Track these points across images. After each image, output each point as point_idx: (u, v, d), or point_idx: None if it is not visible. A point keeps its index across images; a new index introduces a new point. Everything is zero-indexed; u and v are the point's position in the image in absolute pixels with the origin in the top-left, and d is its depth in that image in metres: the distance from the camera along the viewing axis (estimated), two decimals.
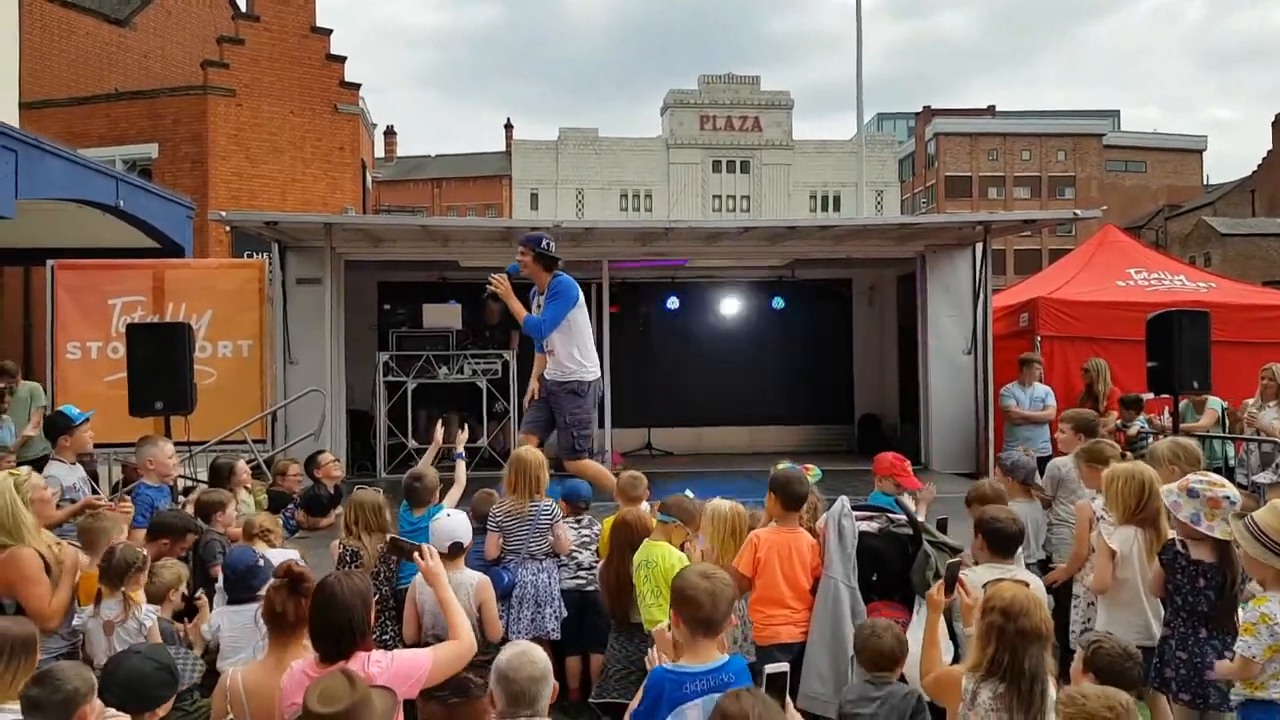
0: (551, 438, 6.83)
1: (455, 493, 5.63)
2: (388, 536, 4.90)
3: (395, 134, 63.99)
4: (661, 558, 4.52)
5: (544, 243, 6.77)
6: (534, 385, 6.96)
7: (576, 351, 6.75)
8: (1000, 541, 4.31)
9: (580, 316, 6.79)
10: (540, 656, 3.04)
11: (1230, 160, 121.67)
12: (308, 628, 3.15)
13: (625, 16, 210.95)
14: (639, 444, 11.84)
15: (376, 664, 3.06)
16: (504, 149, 65.08)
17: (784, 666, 3.01)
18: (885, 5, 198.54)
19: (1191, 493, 3.96)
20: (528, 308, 6.88)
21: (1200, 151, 73.59)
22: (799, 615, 4.57)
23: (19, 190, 9.66)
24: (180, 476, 7.04)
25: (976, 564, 4.32)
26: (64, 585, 4.24)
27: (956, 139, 68.27)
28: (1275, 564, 3.59)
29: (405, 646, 4.49)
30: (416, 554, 3.66)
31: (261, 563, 4.48)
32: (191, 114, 19.73)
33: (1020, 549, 4.56)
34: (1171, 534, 4.14)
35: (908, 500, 5.32)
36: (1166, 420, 8.20)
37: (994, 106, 75.03)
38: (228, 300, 9.58)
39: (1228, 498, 3.91)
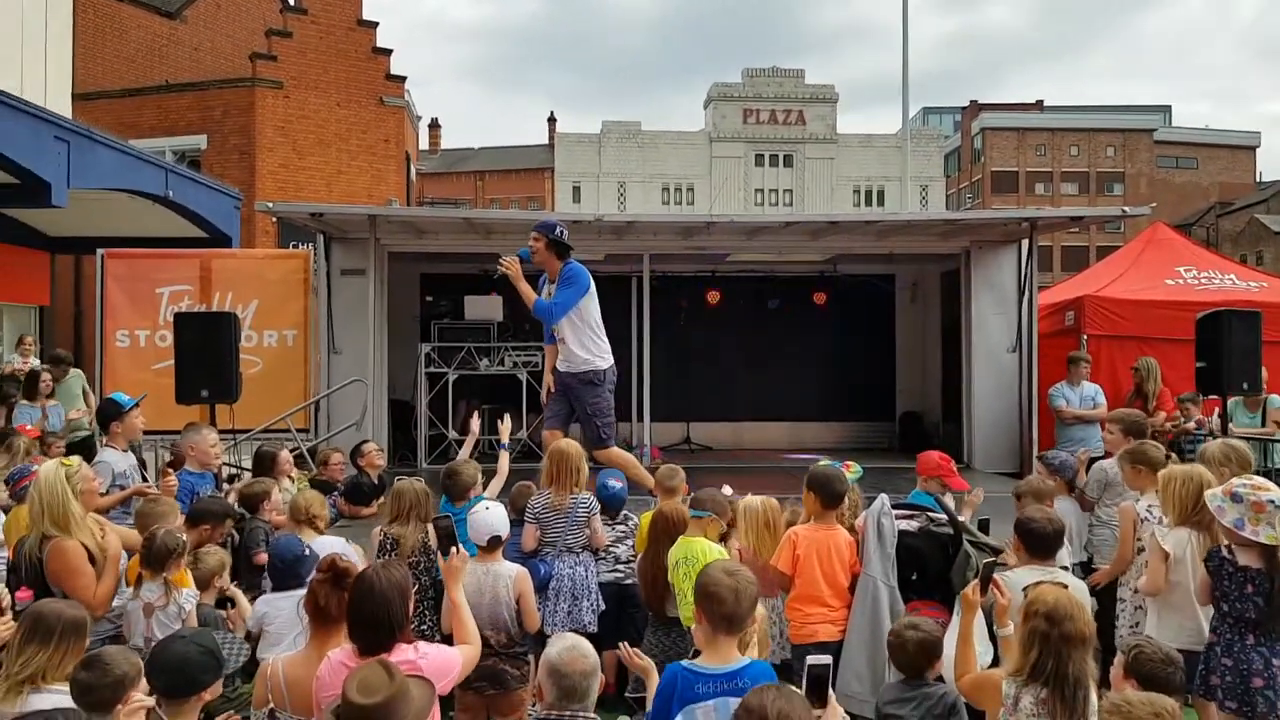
0: (575, 430, 6.85)
1: (497, 484, 5.67)
2: (428, 539, 4.93)
3: (439, 126, 64.49)
4: (702, 553, 4.46)
5: (557, 229, 6.74)
6: (549, 379, 6.97)
7: (588, 340, 6.77)
8: (1036, 542, 4.25)
9: (592, 305, 6.79)
10: (590, 650, 3.03)
11: None
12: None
13: (668, 9, 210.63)
14: (678, 438, 11.83)
15: (424, 656, 3.08)
16: (547, 142, 65.28)
17: (826, 659, 2.98)
18: None
19: (1235, 497, 3.88)
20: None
21: (1254, 148, 71.91)
22: (837, 614, 4.54)
23: (71, 180, 9.88)
24: (225, 464, 7.15)
25: (1016, 565, 4.26)
26: (109, 573, 4.31)
27: (1003, 134, 67.30)
28: None
29: (443, 637, 4.52)
30: (453, 548, 3.67)
31: (307, 552, 4.53)
32: (240, 106, 20.02)
33: (1062, 549, 4.49)
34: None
35: (949, 500, 5.26)
36: (1215, 423, 8.03)
37: (1042, 101, 73.95)
38: (273, 290, 9.71)
39: (1273, 501, 3.82)
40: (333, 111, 20.80)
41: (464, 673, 3.39)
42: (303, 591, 4.19)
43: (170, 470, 5.80)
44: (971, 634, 3.59)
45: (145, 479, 6.19)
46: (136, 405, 6.08)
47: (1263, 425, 8.28)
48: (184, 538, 4.33)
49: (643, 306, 10.15)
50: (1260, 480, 4.00)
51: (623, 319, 10.86)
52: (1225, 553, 3.91)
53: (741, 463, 10.17)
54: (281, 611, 4.38)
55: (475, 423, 6.51)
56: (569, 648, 3.00)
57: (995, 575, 3.71)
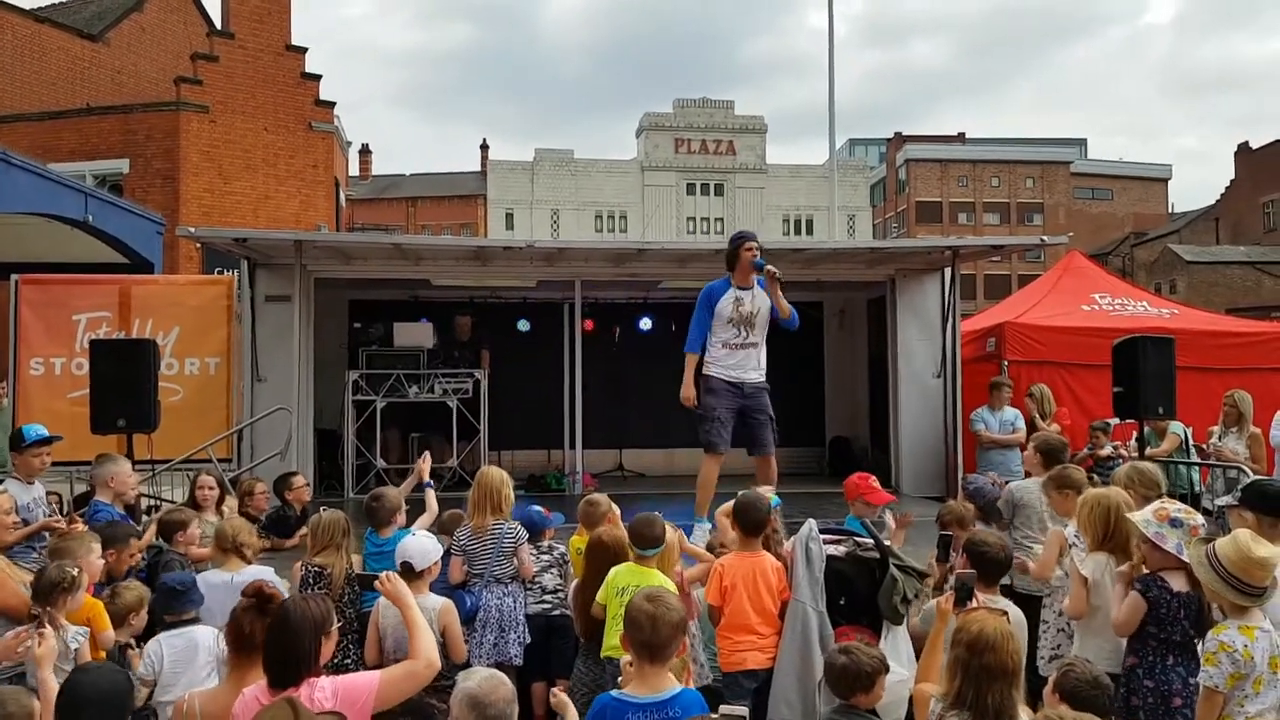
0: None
1: (426, 520, 5.54)
2: (350, 573, 4.83)
3: (370, 153, 63.99)
4: (663, 584, 4.26)
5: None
6: (692, 390, 6.88)
7: None
8: (989, 569, 4.29)
9: None
10: (506, 679, 2.99)
11: (1196, 188, 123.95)
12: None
13: (601, 39, 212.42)
14: (611, 465, 11.81)
15: (321, 690, 2.99)
16: (479, 169, 65.10)
17: (742, 710, 2.96)
18: (859, 32, 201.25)
19: (1175, 523, 3.93)
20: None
21: (1166, 180, 74.79)
22: (766, 641, 4.53)
23: None
24: (143, 496, 6.93)
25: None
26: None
27: (927, 165, 69.05)
28: (1226, 595, 3.60)
29: (366, 669, 4.42)
30: (376, 582, 3.60)
31: (197, 584, 4.38)
32: (164, 130, 19.63)
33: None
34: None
35: (888, 520, 5.33)
36: (1133, 446, 8.27)
37: (964, 134, 76.00)
38: (195, 317, 9.48)
39: (1204, 524, 3.94)
40: (260, 136, 20.51)
41: (407, 686, 3.21)
42: (190, 630, 4.11)
43: (78, 517, 5.52)
44: (940, 643, 3.62)
45: (54, 513, 5.92)
46: (45, 443, 5.77)
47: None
48: (74, 572, 4.04)
49: (575, 333, 10.15)
50: (1182, 505, 4.06)
51: (555, 346, 10.85)
52: (1161, 581, 3.91)
53: (674, 489, 10.18)
54: (174, 649, 4.11)
55: (425, 463, 6.12)
56: (487, 678, 2.95)
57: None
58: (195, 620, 4.26)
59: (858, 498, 5.35)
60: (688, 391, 6.85)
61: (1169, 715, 3.84)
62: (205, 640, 4.11)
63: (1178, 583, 3.89)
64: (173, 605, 4.27)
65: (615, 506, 5.57)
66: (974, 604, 3.74)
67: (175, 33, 24.24)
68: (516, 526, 5.28)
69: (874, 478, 5.62)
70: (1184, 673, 3.86)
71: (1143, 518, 4.05)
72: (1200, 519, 3.96)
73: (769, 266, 6.72)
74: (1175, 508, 4.03)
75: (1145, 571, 4.00)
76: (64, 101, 21.00)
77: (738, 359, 6.81)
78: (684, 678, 3.33)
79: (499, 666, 4.81)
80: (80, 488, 7.67)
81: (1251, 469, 7.47)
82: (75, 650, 3.87)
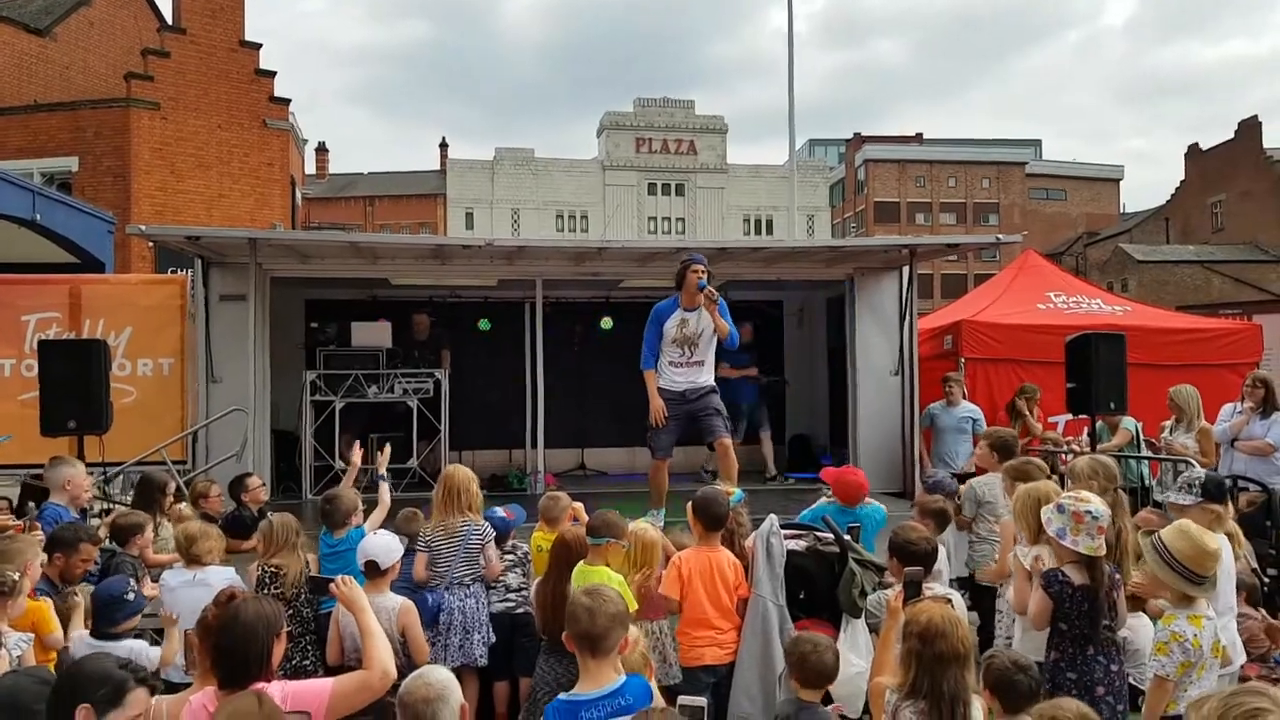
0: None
1: (378, 516, 5.51)
2: (306, 575, 4.79)
3: (327, 151, 63.35)
4: (606, 579, 4.38)
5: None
6: (660, 404, 6.93)
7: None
8: (919, 563, 4.35)
9: None
10: (436, 678, 2.95)
11: (1146, 189, 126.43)
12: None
13: (560, 38, 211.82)
14: (573, 464, 11.80)
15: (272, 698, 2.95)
16: (439, 168, 64.69)
17: (700, 701, 2.96)
18: (819, 33, 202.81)
19: (1060, 508, 4.01)
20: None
21: (1117, 181, 76.16)
22: (724, 636, 4.57)
23: None
24: (95, 498, 6.81)
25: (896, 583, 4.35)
26: None
27: (885, 165, 69.72)
28: (1177, 585, 3.69)
29: (328, 670, 4.39)
30: (332, 586, 3.54)
31: (130, 596, 4.22)
32: (114, 127, 19.28)
33: (936, 566, 4.63)
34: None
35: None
36: (1085, 441, 8.42)
37: (921, 134, 76.76)
38: (148, 317, 9.33)
39: (1090, 513, 3.92)
40: (213, 134, 20.21)
41: (360, 697, 3.11)
42: (123, 644, 3.99)
43: (38, 524, 5.39)
44: (892, 639, 3.66)
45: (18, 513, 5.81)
46: None
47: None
48: (15, 577, 3.93)
49: (536, 332, 10.12)
50: (1086, 494, 4.09)
51: (516, 345, 10.81)
52: (1061, 576, 3.96)
53: (636, 487, 10.18)
54: None
55: (357, 454, 6.32)
56: (413, 676, 2.95)
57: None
58: (130, 632, 4.19)
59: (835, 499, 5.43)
60: (656, 406, 6.98)
61: (1093, 705, 3.88)
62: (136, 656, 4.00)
63: (1078, 576, 3.93)
64: (106, 619, 4.15)
65: (576, 503, 5.60)
66: (922, 598, 3.79)
67: (125, 28, 23.79)
68: (485, 525, 5.26)
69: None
70: (1105, 661, 3.91)
71: (1046, 505, 4.13)
72: (1088, 506, 3.95)
73: (708, 288, 6.90)
74: (1068, 495, 4.11)
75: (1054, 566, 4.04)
76: (10, 98, 20.53)
77: (683, 375, 7.04)
78: (646, 673, 3.33)
79: (464, 668, 4.82)
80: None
81: (1200, 463, 7.61)
82: (18, 658, 3.75)
